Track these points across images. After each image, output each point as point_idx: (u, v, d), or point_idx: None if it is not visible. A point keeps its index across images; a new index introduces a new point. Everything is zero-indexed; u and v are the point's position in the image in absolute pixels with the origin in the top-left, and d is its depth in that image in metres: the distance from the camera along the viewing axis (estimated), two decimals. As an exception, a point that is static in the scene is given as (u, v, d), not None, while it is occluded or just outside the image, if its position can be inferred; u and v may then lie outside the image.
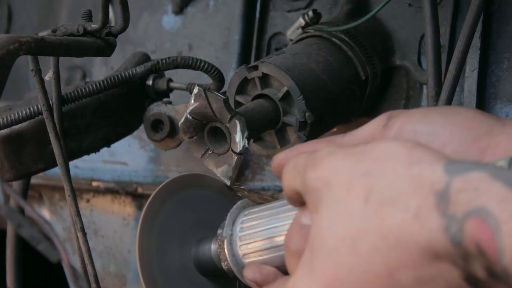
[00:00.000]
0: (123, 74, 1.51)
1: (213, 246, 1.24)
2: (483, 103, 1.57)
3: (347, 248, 0.97)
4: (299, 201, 1.08)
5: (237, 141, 1.31)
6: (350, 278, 0.97)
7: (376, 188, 0.96)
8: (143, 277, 1.20)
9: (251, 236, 1.18)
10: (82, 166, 1.91)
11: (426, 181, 0.93)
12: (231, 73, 1.71)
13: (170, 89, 1.59)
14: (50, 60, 1.48)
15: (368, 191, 0.97)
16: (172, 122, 1.56)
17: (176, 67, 1.53)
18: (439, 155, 0.96)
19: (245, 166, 1.75)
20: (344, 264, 0.98)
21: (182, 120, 1.34)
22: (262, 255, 1.17)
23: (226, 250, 1.20)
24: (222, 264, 1.21)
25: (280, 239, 1.14)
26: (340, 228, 0.98)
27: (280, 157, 1.14)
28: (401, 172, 0.95)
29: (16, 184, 1.67)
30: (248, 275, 1.17)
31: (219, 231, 1.21)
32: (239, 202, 1.22)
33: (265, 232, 1.16)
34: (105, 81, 1.50)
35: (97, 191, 1.93)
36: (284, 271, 1.15)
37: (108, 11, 1.39)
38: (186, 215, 1.28)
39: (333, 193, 0.99)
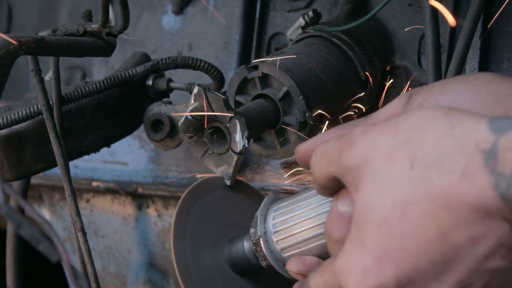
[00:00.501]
0: (123, 74, 1.51)
1: (246, 244, 1.26)
2: (483, 103, 1.57)
3: (397, 216, 0.98)
4: (332, 189, 1.08)
5: (237, 141, 1.31)
6: (403, 246, 0.98)
7: (420, 154, 0.97)
8: (182, 279, 1.21)
9: (286, 230, 1.19)
10: (82, 166, 1.91)
11: (471, 141, 0.94)
12: (231, 73, 1.71)
13: (170, 89, 1.59)
14: (50, 60, 1.48)
15: (412, 158, 0.97)
16: (172, 122, 1.56)
17: (176, 67, 1.53)
18: (477, 115, 0.97)
19: (245, 166, 1.75)
20: (396, 233, 0.98)
21: (182, 120, 1.34)
22: (300, 247, 1.18)
23: (263, 248, 1.21)
24: (261, 262, 1.22)
25: (317, 229, 1.16)
26: (388, 198, 0.98)
27: (304, 147, 1.15)
28: (444, 135, 0.96)
29: (16, 184, 1.67)
30: (292, 268, 1.18)
31: (252, 230, 1.23)
32: (265, 199, 1.23)
33: (300, 225, 1.18)
34: (105, 81, 1.50)
35: (97, 191, 1.93)
36: (325, 258, 1.15)
37: (108, 11, 1.39)
38: (215, 217, 1.30)
39: (375, 166, 1.00)
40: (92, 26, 1.40)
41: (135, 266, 1.96)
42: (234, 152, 1.32)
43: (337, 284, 1.05)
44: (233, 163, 1.32)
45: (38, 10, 2.14)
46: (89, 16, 1.42)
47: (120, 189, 1.87)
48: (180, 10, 1.84)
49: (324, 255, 1.16)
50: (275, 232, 1.20)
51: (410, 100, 1.11)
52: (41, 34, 1.39)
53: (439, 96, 1.10)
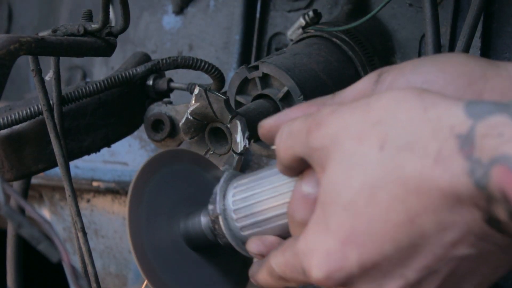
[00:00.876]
0: (123, 74, 1.51)
1: (204, 220, 1.21)
2: (483, 103, 1.57)
3: (364, 199, 0.95)
4: (297, 170, 1.05)
5: (237, 141, 1.31)
6: (369, 230, 0.95)
7: (391, 135, 0.94)
8: (136, 253, 1.18)
9: (246, 209, 1.15)
10: (82, 166, 1.91)
11: (445, 124, 0.91)
12: (232, 73, 1.71)
13: (170, 89, 1.59)
14: (51, 60, 1.48)
15: (382, 139, 0.94)
16: (173, 122, 1.56)
17: (177, 67, 1.53)
18: (451, 98, 0.94)
19: (245, 166, 1.75)
20: (362, 216, 0.95)
21: (183, 120, 1.34)
22: (261, 226, 1.15)
23: (222, 226, 1.17)
24: (219, 239, 1.19)
25: (279, 209, 1.12)
26: (356, 180, 0.96)
27: (269, 123, 1.11)
28: (417, 117, 0.93)
29: (17, 184, 1.67)
30: (252, 248, 1.15)
31: (211, 206, 1.18)
32: (225, 175, 1.19)
33: (261, 203, 1.14)
34: (105, 81, 1.50)
35: (98, 191, 1.93)
36: (285, 238, 1.12)
37: (109, 11, 1.39)
38: (172, 191, 1.25)
39: (344, 147, 0.97)
40: (93, 26, 1.40)
41: (135, 266, 1.96)
42: (235, 153, 1.32)
43: (299, 264, 1.03)
44: (234, 164, 1.32)
45: (38, 10, 2.14)
46: (89, 16, 1.42)
47: (121, 189, 1.87)
48: (180, 10, 1.84)
49: (285, 235, 1.12)
50: (235, 210, 1.16)
51: (379, 79, 1.08)
52: (41, 34, 1.39)
53: (410, 76, 1.06)
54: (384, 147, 0.94)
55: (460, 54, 1.09)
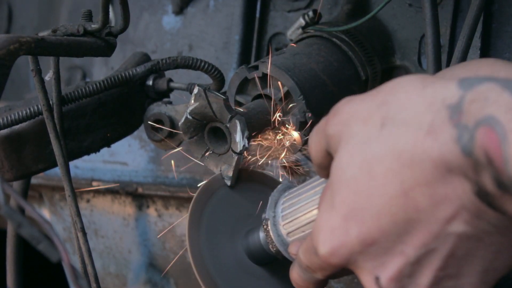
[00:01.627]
0: (123, 74, 1.51)
1: (261, 234, 1.26)
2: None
3: (364, 174, 0.98)
4: (329, 167, 1.08)
5: (237, 141, 1.31)
6: (368, 204, 0.97)
7: (391, 113, 0.97)
8: (198, 273, 1.21)
9: (291, 214, 1.19)
10: (82, 166, 1.91)
11: (438, 97, 0.94)
12: (231, 73, 1.71)
13: (170, 89, 1.59)
14: (50, 60, 1.48)
15: (384, 118, 0.97)
16: (173, 122, 1.56)
17: (176, 67, 1.53)
18: (452, 77, 0.97)
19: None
20: (362, 191, 0.98)
21: (182, 120, 1.34)
22: (304, 230, 1.18)
23: (271, 232, 1.21)
24: (270, 247, 1.22)
25: (317, 211, 1.14)
26: (357, 156, 0.98)
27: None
28: (415, 94, 0.96)
29: (16, 184, 1.67)
30: (293, 250, 1.18)
31: (263, 215, 1.23)
32: (279, 186, 1.24)
33: (304, 207, 1.18)
34: (105, 81, 1.50)
35: (97, 191, 1.93)
36: None
37: (108, 11, 1.39)
38: (231, 210, 1.30)
39: (352, 128, 1.00)
40: (92, 26, 1.40)
41: (135, 266, 1.96)
42: (234, 152, 1.32)
43: (311, 244, 1.06)
44: (233, 163, 1.32)
45: (38, 10, 2.14)
46: (89, 16, 1.42)
47: (120, 189, 1.87)
48: (180, 10, 1.84)
49: None
50: (282, 215, 1.20)
51: None
52: (41, 34, 1.39)
53: (439, 75, 1.13)
54: (384, 125, 0.97)
55: (489, 58, 1.14)
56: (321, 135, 1.06)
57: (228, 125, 1.32)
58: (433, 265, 0.99)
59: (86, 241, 1.47)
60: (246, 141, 1.31)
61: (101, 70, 1.95)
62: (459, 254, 0.98)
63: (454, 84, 0.94)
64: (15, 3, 2.18)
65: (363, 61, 1.55)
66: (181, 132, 1.36)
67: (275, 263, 1.28)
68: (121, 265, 1.97)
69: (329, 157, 1.06)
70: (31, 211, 0.91)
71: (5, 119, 1.44)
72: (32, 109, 1.45)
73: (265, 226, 1.22)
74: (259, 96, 1.45)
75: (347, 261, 1.02)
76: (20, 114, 1.44)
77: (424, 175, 0.94)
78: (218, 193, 1.31)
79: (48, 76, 1.47)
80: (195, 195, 1.28)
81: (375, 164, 0.97)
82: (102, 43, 1.41)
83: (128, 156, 1.89)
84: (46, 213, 2.05)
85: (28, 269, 1.85)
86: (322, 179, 1.16)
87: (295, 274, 1.14)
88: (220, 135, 1.34)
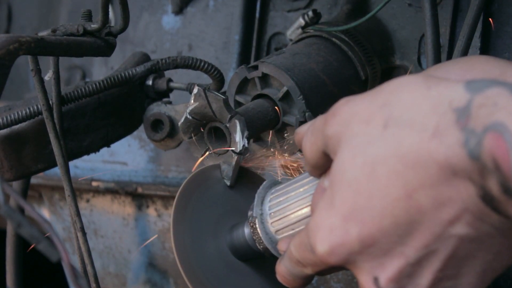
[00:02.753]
0: (123, 74, 1.51)
1: (246, 230, 1.25)
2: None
3: (365, 175, 0.97)
4: (323, 168, 1.08)
5: (237, 141, 1.31)
6: (369, 205, 0.97)
7: (395, 114, 0.96)
8: (182, 268, 1.21)
9: (280, 212, 1.19)
10: (82, 166, 1.91)
11: (444, 99, 0.93)
12: (231, 73, 1.71)
13: (170, 89, 1.59)
14: (50, 60, 1.48)
15: (386, 119, 0.97)
16: (172, 122, 1.56)
17: (176, 67, 1.53)
18: (455, 80, 0.96)
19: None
20: (363, 192, 0.97)
21: (182, 120, 1.34)
22: (293, 228, 1.18)
23: (258, 229, 1.20)
24: (257, 244, 1.22)
25: (309, 210, 1.15)
26: (359, 157, 0.98)
27: (302, 129, 1.14)
28: (420, 95, 0.95)
29: (16, 184, 1.67)
30: (283, 248, 1.17)
31: (250, 212, 1.22)
32: (265, 182, 1.23)
33: (293, 206, 1.17)
34: (105, 81, 1.50)
35: (97, 191, 1.93)
36: None
37: (108, 11, 1.39)
38: (216, 204, 1.29)
39: (352, 129, 1.00)
40: (92, 26, 1.40)
41: (135, 266, 1.96)
42: (234, 152, 1.32)
43: (307, 241, 1.05)
44: (233, 163, 1.32)
45: (38, 10, 2.14)
46: (89, 16, 1.42)
47: (120, 189, 1.87)
48: (180, 10, 1.84)
49: None
50: (270, 213, 1.20)
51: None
52: (41, 34, 1.39)
53: (431, 72, 1.11)
54: (387, 125, 0.97)
55: (481, 55, 1.13)
56: (318, 136, 1.05)
57: (227, 125, 1.32)
58: (433, 266, 0.98)
59: (85, 241, 1.47)
60: (246, 141, 1.31)
61: (100, 70, 1.95)
62: (459, 255, 0.98)
63: (461, 87, 0.93)
64: (14, 3, 2.18)
65: (363, 61, 1.55)
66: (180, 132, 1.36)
67: (258, 259, 1.27)
68: (120, 265, 1.97)
69: (325, 157, 1.06)
70: (30, 210, 0.91)
71: (4, 119, 1.43)
72: (31, 109, 1.45)
73: (252, 224, 1.21)
74: (259, 96, 1.45)
75: (345, 261, 1.02)
76: (20, 114, 1.44)
77: (428, 177, 0.93)
78: (202, 187, 1.30)
79: (48, 76, 1.47)
80: (179, 189, 1.27)
81: (378, 165, 0.96)
82: (102, 43, 1.41)
83: (128, 156, 1.89)
84: (45, 212, 2.05)
85: (28, 269, 1.85)
86: (311, 177, 1.15)
87: (282, 267, 1.14)
88: (220, 135, 1.35)
